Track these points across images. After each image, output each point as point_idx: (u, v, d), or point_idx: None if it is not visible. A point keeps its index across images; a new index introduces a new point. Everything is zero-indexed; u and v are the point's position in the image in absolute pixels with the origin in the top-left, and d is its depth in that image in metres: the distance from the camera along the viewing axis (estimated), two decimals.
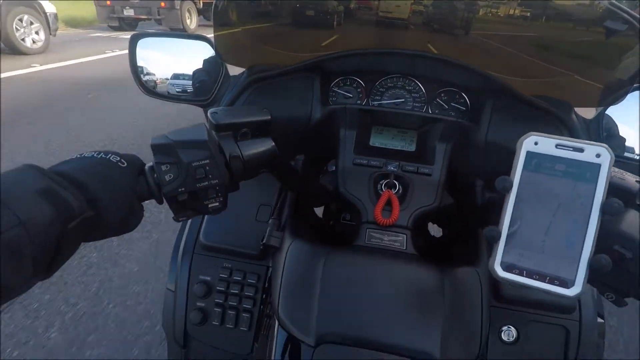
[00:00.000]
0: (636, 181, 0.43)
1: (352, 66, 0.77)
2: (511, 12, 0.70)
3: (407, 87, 0.76)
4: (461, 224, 0.72)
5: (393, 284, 0.50)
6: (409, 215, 0.61)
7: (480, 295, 0.52)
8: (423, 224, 0.77)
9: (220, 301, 0.67)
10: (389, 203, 0.61)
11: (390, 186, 0.63)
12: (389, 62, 0.76)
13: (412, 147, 0.72)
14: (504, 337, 0.63)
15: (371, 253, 0.57)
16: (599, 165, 0.35)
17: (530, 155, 0.37)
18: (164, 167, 0.41)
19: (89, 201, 0.36)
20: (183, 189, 0.41)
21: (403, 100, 0.75)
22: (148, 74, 0.84)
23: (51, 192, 0.33)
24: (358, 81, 0.77)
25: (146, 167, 0.43)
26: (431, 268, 0.52)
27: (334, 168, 0.72)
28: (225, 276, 0.68)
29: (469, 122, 0.69)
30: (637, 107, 0.69)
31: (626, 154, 0.71)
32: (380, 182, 0.64)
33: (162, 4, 9.66)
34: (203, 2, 11.38)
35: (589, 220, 0.35)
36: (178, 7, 9.73)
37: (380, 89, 0.77)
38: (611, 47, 0.60)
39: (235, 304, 0.67)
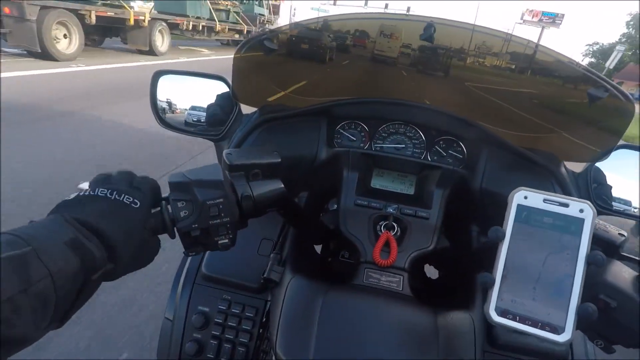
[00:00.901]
0: (619, 233, 0.47)
1: (357, 112, 0.82)
2: (497, 63, 0.76)
3: (407, 134, 0.81)
4: (456, 267, 0.74)
5: (389, 324, 0.52)
6: (406, 257, 0.63)
7: (473, 340, 0.53)
8: (419, 266, 0.79)
9: (217, 333, 0.68)
10: (387, 244, 0.63)
11: (389, 228, 0.66)
12: (392, 109, 0.82)
13: (411, 191, 0.75)
14: None
15: (369, 293, 0.59)
16: (582, 220, 0.38)
17: (520, 208, 0.40)
18: (179, 204, 0.44)
19: (107, 249, 0.37)
20: (196, 225, 0.44)
21: (404, 146, 0.80)
22: (168, 102, 0.91)
23: (77, 244, 0.34)
24: (362, 125, 0.82)
25: (162, 202, 0.46)
26: (426, 311, 0.54)
27: (334, 207, 0.76)
28: (224, 308, 0.69)
29: (465, 170, 0.73)
30: (623, 163, 0.74)
31: (614, 204, 0.75)
32: (380, 224, 0.67)
33: (6, 9, 5.96)
34: (97, 15, 7.57)
35: (575, 270, 0.37)
36: (33, 19, 6.08)
37: (383, 134, 0.82)
38: (594, 109, 0.66)
39: (231, 337, 0.67)
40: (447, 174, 0.72)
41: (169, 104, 0.91)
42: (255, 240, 0.74)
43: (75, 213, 0.37)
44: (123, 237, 0.39)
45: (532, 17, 34.98)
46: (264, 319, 0.69)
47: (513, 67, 0.75)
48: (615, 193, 0.76)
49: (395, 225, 0.66)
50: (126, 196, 0.42)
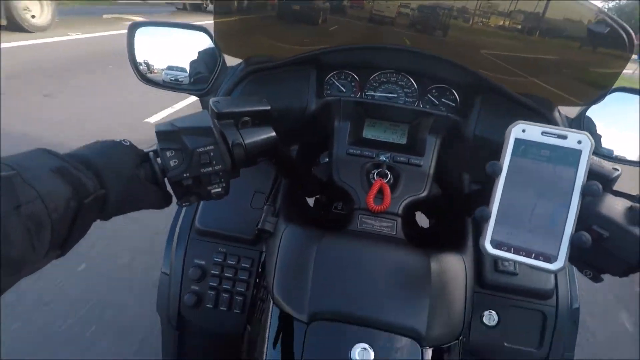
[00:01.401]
0: (613, 168, 0.47)
1: (347, 60, 0.79)
2: (502, 23, 0.73)
3: (399, 83, 0.79)
4: (448, 214, 0.75)
5: (383, 266, 0.53)
6: (399, 203, 0.64)
7: (464, 280, 0.55)
8: (412, 213, 0.80)
9: (215, 284, 0.69)
10: (380, 191, 0.63)
11: (382, 175, 0.66)
12: (383, 57, 0.79)
13: (404, 140, 0.74)
14: (486, 320, 0.67)
15: (363, 237, 0.60)
16: (580, 151, 0.38)
17: (518, 141, 0.40)
18: (169, 153, 0.43)
19: (97, 176, 0.37)
20: (188, 174, 0.43)
21: (395, 95, 0.78)
22: (145, 63, 0.86)
23: (65, 172, 0.34)
24: (352, 75, 0.79)
25: (150, 153, 0.44)
26: (419, 252, 0.55)
27: (326, 160, 0.74)
28: (220, 260, 0.70)
29: (458, 117, 0.72)
30: (616, 108, 0.73)
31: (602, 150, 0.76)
32: (373, 172, 0.67)
33: None
34: None
35: (570, 201, 0.38)
36: None
37: (374, 84, 0.79)
38: (593, 46, 0.63)
39: (229, 287, 0.69)
40: (439, 121, 0.70)
41: (147, 62, 0.86)
42: (248, 194, 0.73)
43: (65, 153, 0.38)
44: (111, 165, 0.39)
45: None
46: (260, 270, 0.70)
47: (519, 25, 0.72)
48: (604, 141, 0.76)
49: (388, 172, 0.66)
50: (114, 138, 0.42)
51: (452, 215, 0.71)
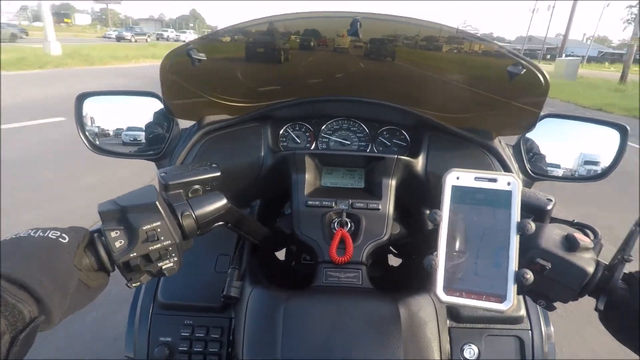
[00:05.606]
0: (547, 199, 0.50)
1: (299, 112, 0.82)
2: (425, 51, 0.79)
3: (351, 128, 0.82)
4: (414, 252, 0.76)
5: (352, 320, 0.52)
6: (362, 251, 0.64)
7: (436, 319, 0.55)
8: (380, 257, 0.80)
9: None
10: (342, 241, 0.63)
11: (343, 224, 0.66)
12: (333, 106, 0.82)
13: (362, 184, 0.76)
14: (467, 355, 0.66)
15: (329, 292, 0.59)
16: (510, 192, 0.41)
17: (454, 188, 0.42)
18: (113, 234, 0.41)
19: (36, 301, 0.35)
20: (135, 253, 0.41)
21: (349, 142, 0.81)
22: (99, 127, 0.85)
23: (1, 302, 0.32)
24: (306, 126, 0.82)
25: (94, 235, 0.42)
26: (387, 300, 0.55)
27: (289, 211, 0.75)
28: (187, 334, 0.65)
29: (410, 156, 0.75)
30: (549, 131, 0.80)
31: (549, 169, 0.81)
32: (333, 221, 0.67)
33: None
34: None
35: (509, 240, 0.40)
36: None
37: (327, 132, 0.82)
38: (515, 85, 0.70)
39: None
40: (392, 163, 0.73)
41: (100, 127, 0.85)
42: (212, 258, 0.71)
43: None
44: (52, 284, 0.36)
45: None
46: (231, 338, 0.67)
47: (441, 53, 0.78)
48: (548, 159, 0.82)
49: (348, 221, 0.67)
50: (52, 232, 0.39)
51: (418, 252, 0.72)
